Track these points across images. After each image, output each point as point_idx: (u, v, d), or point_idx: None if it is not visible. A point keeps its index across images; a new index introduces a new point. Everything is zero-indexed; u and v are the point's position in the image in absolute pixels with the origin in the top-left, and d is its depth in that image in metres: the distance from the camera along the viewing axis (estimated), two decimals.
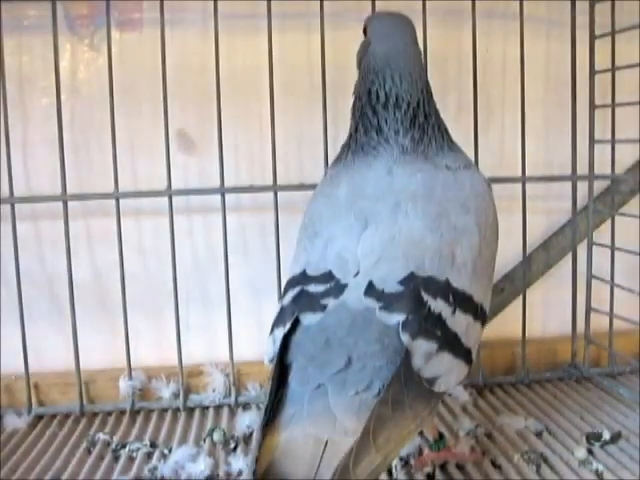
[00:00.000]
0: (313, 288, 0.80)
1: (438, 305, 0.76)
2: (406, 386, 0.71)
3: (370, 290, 0.77)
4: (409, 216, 0.82)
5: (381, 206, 0.83)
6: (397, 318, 0.75)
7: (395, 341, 0.74)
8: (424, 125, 0.90)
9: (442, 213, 0.82)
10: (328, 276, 0.80)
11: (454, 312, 0.77)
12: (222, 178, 1.14)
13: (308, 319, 0.78)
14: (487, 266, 0.85)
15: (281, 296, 0.84)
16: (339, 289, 0.78)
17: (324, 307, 0.78)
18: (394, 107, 0.89)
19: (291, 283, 0.83)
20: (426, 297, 0.76)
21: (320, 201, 0.91)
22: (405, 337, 0.73)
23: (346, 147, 0.93)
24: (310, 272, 0.82)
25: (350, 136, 0.93)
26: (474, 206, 0.85)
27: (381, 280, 0.77)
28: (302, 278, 0.82)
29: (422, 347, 0.73)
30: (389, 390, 0.71)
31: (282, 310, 0.82)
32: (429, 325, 0.75)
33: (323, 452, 0.68)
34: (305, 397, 0.72)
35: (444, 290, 0.77)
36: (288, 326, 0.79)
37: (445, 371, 0.75)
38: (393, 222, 0.81)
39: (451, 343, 0.76)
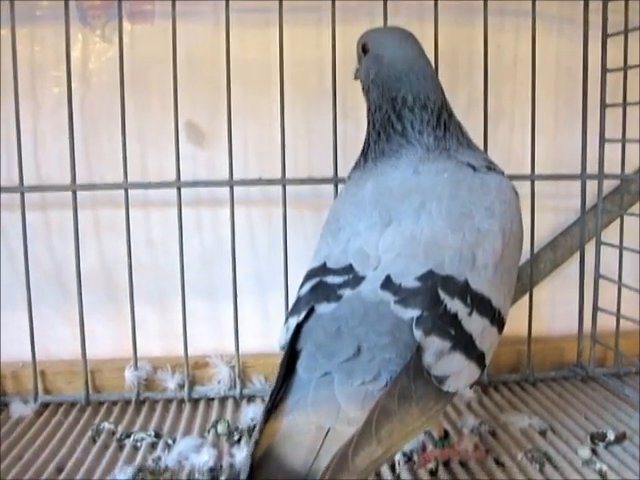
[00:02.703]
0: (331, 279, 0.80)
1: (455, 305, 0.76)
2: (414, 382, 0.71)
3: (387, 283, 0.77)
4: (432, 215, 0.82)
5: (407, 205, 0.83)
6: (412, 313, 0.74)
7: (407, 336, 0.73)
8: (447, 123, 0.91)
9: (466, 214, 0.82)
10: (348, 269, 0.80)
11: (470, 313, 0.76)
12: (231, 171, 1.15)
13: (322, 308, 0.79)
14: (508, 273, 0.83)
15: (299, 288, 0.84)
16: (356, 281, 0.79)
17: (339, 297, 0.78)
18: (421, 109, 0.90)
19: (309, 275, 0.84)
20: (443, 295, 0.76)
21: (345, 199, 0.91)
22: (418, 333, 0.73)
23: (365, 155, 0.93)
24: (330, 265, 0.82)
25: (368, 145, 0.93)
26: (499, 211, 0.84)
27: (399, 275, 0.77)
28: (321, 270, 0.82)
29: (434, 344, 0.73)
30: (397, 384, 0.70)
31: (298, 300, 0.82)
32: (444, 323, 0.74)
33: (324, 439, 0.67)
34: (311, 384, 0.72)
35: (462, 290, 0.77)
36: (303, 315, 0.79)
37: (456, 371, 0.74)
38: (416, 220, 0.81)
39: (465, 344, 0.75)
